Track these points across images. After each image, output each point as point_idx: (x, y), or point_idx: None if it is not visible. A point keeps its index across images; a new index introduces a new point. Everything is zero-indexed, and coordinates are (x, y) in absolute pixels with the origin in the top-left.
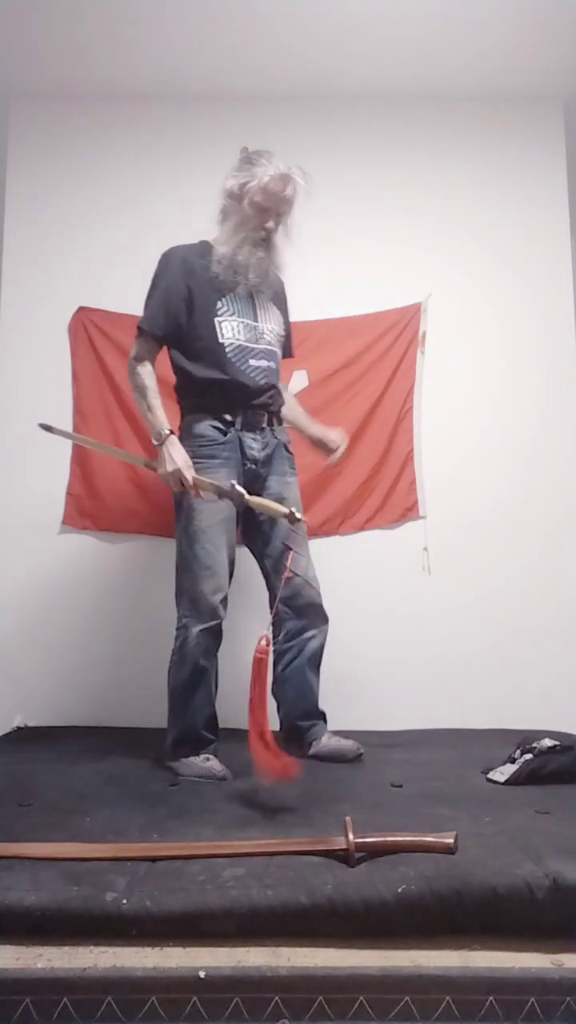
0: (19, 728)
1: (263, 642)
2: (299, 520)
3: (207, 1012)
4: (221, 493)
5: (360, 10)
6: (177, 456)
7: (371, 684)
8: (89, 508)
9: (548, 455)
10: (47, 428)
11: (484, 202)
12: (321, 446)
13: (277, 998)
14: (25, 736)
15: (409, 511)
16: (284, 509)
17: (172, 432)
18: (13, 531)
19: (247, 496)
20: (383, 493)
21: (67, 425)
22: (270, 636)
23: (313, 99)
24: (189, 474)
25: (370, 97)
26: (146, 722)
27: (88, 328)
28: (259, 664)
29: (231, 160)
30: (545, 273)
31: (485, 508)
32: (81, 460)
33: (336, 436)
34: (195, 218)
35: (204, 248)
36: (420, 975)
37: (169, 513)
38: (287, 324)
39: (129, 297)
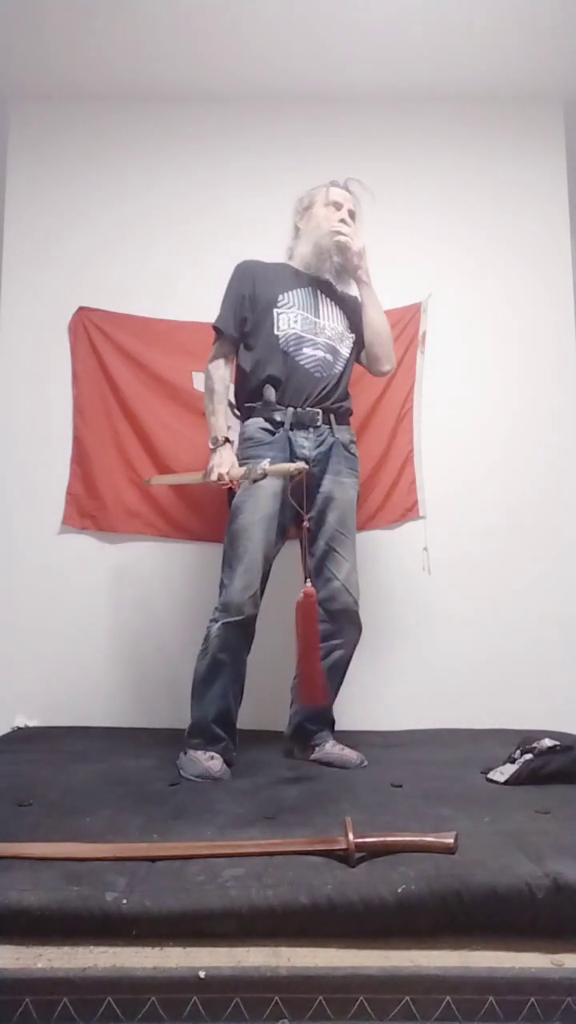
0: (19, 728)
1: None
2: (304, 470)
3: (207, 1012)
4: (246, 477)
5: (360, 10)
6: (225, 459)
7: (371, 684)
8: (89, 508)
9: (548, 455)
10: (148, 483)
11: (484, 202)
12: None
13: (277, 998)
14: (25, 736)
15: (409, 511)
16: (291, 466)
17: (228, 440)
18: (13, 531)
19: (267, 467)
20: (383, 493)
21: (67, 425)
22: (312, 588)
23: (313, 99)
24: (221, 470)
25: (370, 97)
26: (147, 722)
27: (88, 328)
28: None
29: (231, 160)
30: (545, 273)
31: (485, 508)
32: (81, 460)
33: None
34: (196, 218)
35: (277, 265)
36: (420, 975)
37: (169, 514)
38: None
39: (129, 297)
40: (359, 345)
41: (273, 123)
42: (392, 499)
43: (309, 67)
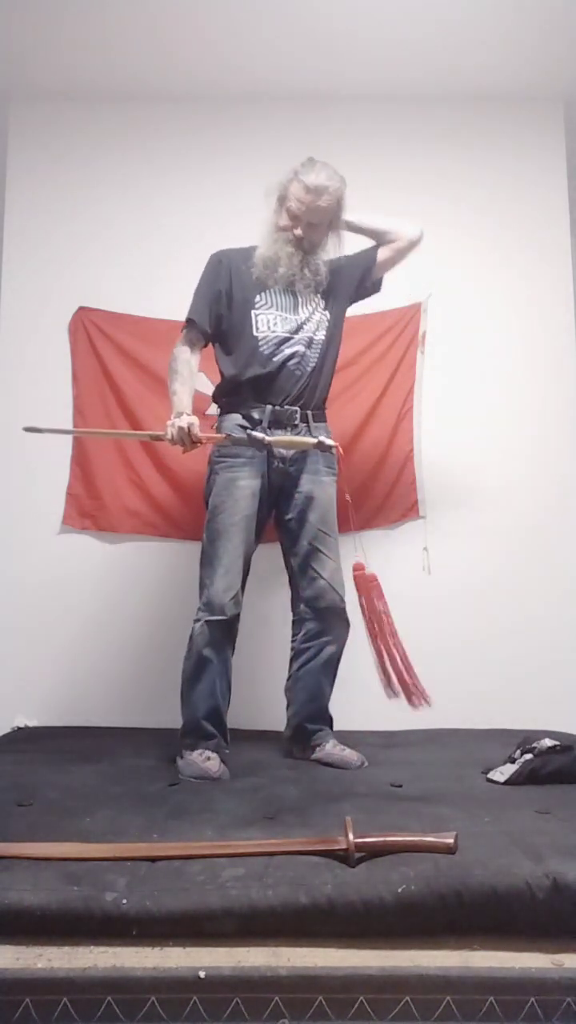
0: (19, 728)
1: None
2: (330, 448)
3: (207, 1012)
4: (236, 442)
5: (360, 10)
6: (185, 419)
7: (371, 684)
8: (89, 508)
9: (548, 455)
10: (34, 430)
11: (484, 202)
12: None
13: (277, 998)
14: (25, 736)
15: (409, 511)
16: (311, 440)
17: (190, 415)
18: (13, 531)
19: (268, 439)
20: (383, 493)
21: (67, 425)
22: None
23: (313, 99)
24: (186, 420)
25: (370, 97)
26: (146, 722)
27: (88, 328)
28: (368, 585)
29: (232, 160)
30: (545, 273)
31: (485, 508)
32: (81, 460)
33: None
34: (195, 218)
35: (250, 250)
36: (420, 975)
37: (169, 514)
38: (341, 296)
39: (129, 297)
40: (343, 301)
41: (274, 122)
42: (392, 499)
43: (310, 66)
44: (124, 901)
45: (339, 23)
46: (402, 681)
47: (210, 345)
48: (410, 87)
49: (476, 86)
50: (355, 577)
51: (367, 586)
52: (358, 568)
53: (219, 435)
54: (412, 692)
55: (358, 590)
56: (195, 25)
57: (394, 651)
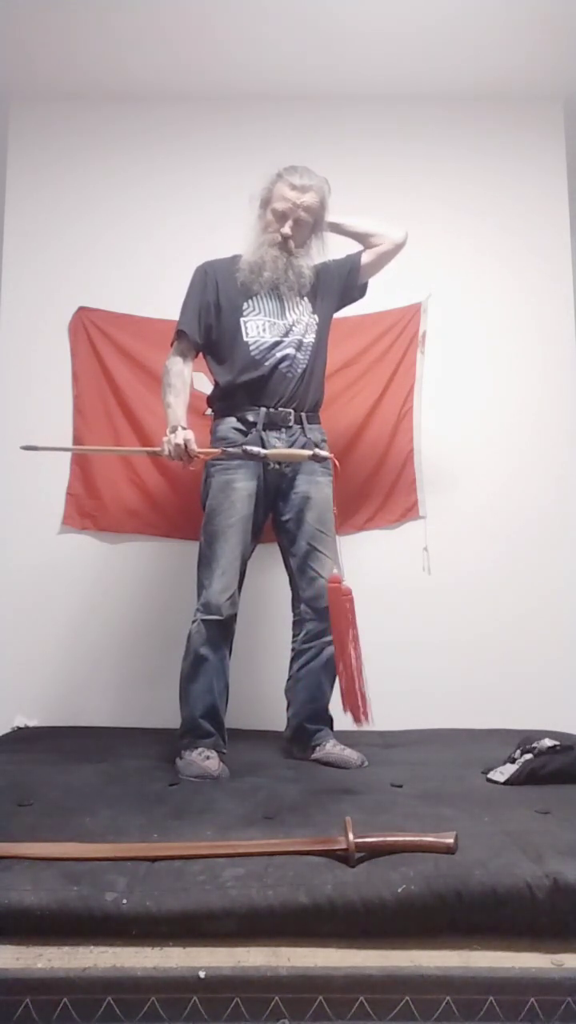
0: (19, 728)
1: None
2: (325, 458)
3: (207, 1012)
4: (232, 456)
5: (360, 10)
6: (187, 436)
7: (371, 684)
8: (89, 508)
9: (548, 454)
10: (32, 448)
11: (484, 202)
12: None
13: (277, 998)
14: (25, 736)
15: (409, 511)
16: (306, 452)
17: (185, 428)
18: (13, 531)
19: (264, 452)
20: (383, 493)
21: (67, 425)
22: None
23: (313, 99)
24: (182, 436)
25: (370, 97)
26: (146, 722)
27: (88, 328)
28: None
29: (232, 160)
30: (545, 273)
31: (485, 508)
32: (81, 460)
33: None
34: (195, 218)
35: (235, 259)
36: (420, 975)
37: (169, 513)
38: (328, 299)
39: (129, 297)
40: (330, 305)
41: (274, 122)
42: (392, 499)
43: (310, 66)
44: (124, 901)
45: (339, 22)
46: (354, 703)
47: (201, 354)
48: (410, 87)
49: (476, 86)
50: (330, 589)
51: (340, 601)
52: (334, 580)
53: (215, 450)
54: (360, 712)
55: (331, 605)
56: (195, 25)
57: (355, 676)
